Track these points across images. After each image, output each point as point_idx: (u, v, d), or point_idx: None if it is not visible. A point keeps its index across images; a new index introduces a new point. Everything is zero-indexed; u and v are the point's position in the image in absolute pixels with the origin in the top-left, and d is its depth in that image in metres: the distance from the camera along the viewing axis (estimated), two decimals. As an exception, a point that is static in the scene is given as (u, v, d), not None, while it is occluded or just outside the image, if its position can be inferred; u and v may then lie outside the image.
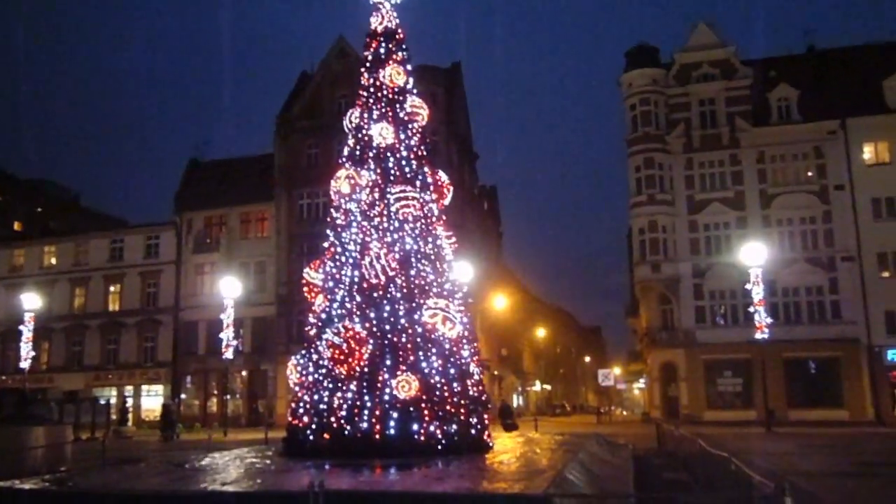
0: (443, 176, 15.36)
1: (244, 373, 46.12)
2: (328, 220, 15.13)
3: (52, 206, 67.65)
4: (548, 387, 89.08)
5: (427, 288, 13.73)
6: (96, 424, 34.20)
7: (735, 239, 38.71)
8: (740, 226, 39.65)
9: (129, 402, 48.55)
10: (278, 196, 47.20)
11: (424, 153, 15.21)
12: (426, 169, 15.02)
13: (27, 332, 38.54)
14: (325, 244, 14.78)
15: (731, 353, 37.94)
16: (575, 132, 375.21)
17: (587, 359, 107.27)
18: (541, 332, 77.86)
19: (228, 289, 35.40)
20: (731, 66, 41.77)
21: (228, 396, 46.17)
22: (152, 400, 49.02)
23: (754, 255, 31.96)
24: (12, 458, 14.96)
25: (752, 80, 41.09)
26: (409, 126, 15.08)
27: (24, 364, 38.91)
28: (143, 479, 12.12)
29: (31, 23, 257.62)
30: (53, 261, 53.61)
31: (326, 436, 12.85)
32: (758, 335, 30.92)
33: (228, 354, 35.35)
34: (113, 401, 45.71)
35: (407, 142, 14.90)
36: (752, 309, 31.88)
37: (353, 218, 14.36)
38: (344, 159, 15.05)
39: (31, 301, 38.73)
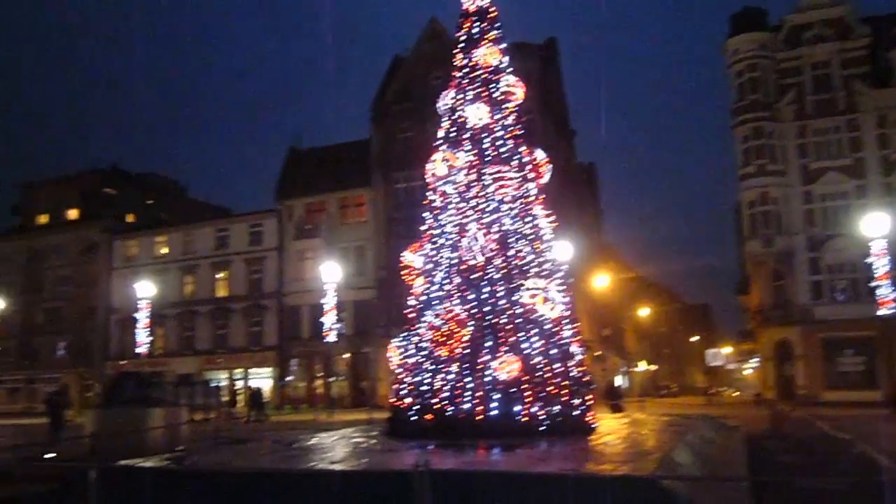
0: (540, 154, 15.27)
1: (347, 355, 47.37)
2: (425, 202, 15.29)
3: (161, 198, 71.30)
4: (653, 367, 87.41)
5: (526, 268, 13.75)
6: (208, 406, 35.95)
7: (854, 209, 36.72)
8: (859, 195, 37.61)
9: (239, 384, 50.81)
10: (375, 181, 48.05)
11: (520, 132, 15.16)
12: (522, 148, 14.97)
13: (143, 318, 40.90)
14: (423, 227, 14.97)
15: (853, 331, 36.18)
16: (677, 103, 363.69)
17: (694, 338, 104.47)
18: (644, 311, 76.36)
19: (329, 274, 36.35)
20: (847, 25, 39.46)
21: (332, 378, 47.61)
22: (260, 382, 51.13)
23: (876, 225, 30.22)
24: (134, 438, 15.99)
25: (870, 39, 38.72)
26: (505, 105, 15.06)
27: (141, 349, 41.35)
28: (255, 457, 12.74)
29: (139, 20, 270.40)
30: (164, 250, 56.53)
31: (429, 416, 13.11)
32: (882, 311, 29.32)
33: (331, 338, 36.36)
34: (223, 383, 47.99)
35: (502, 121, 14.90)
36: (874, 283, 30.24)
37: (450, 200, 14.50)
38: (440, 142, 15.18)
39: (146, 289, 41.01)
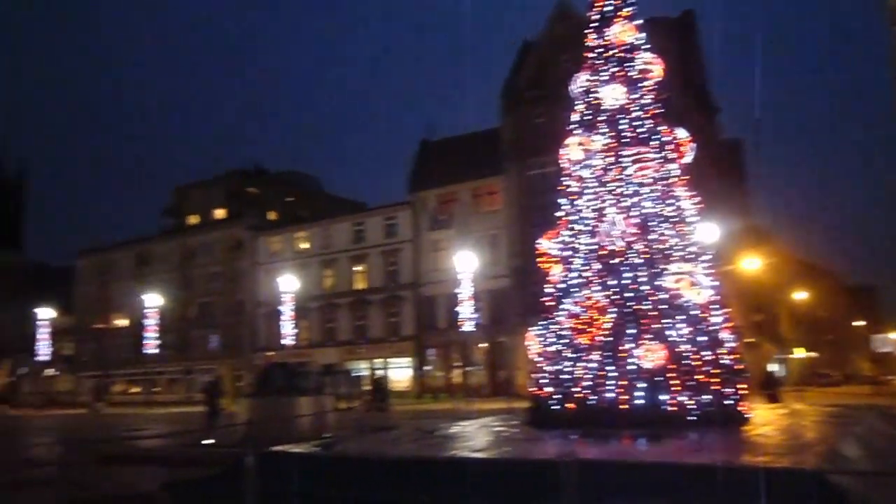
0: (681, 133, 14.76)
1: (484, 344, 47.80)
2: (560, 188, 15.14)
3: (300, 195, 74.54)
4: (812, 354, 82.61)
5: (669, 252, 13.36)
6: (351, 395, 37.35)
7: None
8: None
9: (379, 373, 52.42)
10: (508, 169, 48.08)
11: (659, 111, 14.72)
12: (662, 127, 14.52)
13: (287, 311, 42.95)
14: (559, 213, 14.83)
15: None
16: (832, 70, 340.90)
17: (859, 322, 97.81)
18: (802, 295, 72.24)
19: (463, 263, 36.78)
20: None
21: (470, 368, 48.20)
22: (400, 372, 52.56)
23: None
24: (283, 425, 16.84)
25: None
26: (641, 84, 14.66)
27: (286, 340, 43.44)
28: (399, 444, 13.10)
29: (271, 23, 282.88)
30: (305, 245, 59.09)
31: (571, 406, 13.01)
32: None
33: (467, 327, 36.81)
34: (364, 373, 49.66)
35: (639, 101, 14.51)
36: None
37: (586, 185, 14.30)
38: (574, 126, 14.99)
39: (289, 283, 43.03)
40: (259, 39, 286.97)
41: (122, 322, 70.85)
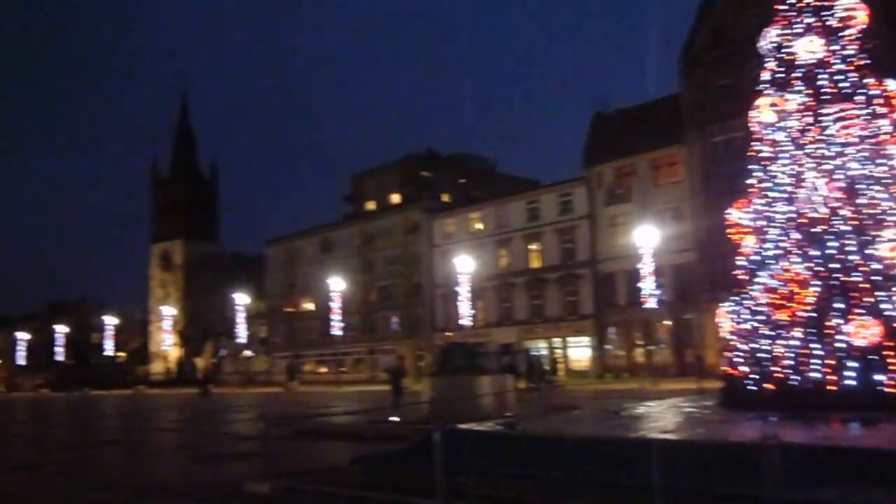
0: (892, 85, 13.43)
1: (668, 322, 46.38)
2: (750, 154, 14.27)
3: (472, 177, 75.65)
4: None
5: (882, 217, 12.22)
6: (530, 375, 37.47)
7: None
8: None
9: (558, 352, 52.33)
10: (689, 137, 46.13)
11: (865, 62, 13.45)
12: (869, 80, 13.27)
13: (464, 292, 43.80)
14: (750, 181, 13.99)
15: None
16: None
17: None
18: None
19: (644, 238, 35.79)
20: None
21: (653, 346, 46.95)
22: (579, 351, 52.17)
23: None
24: (465, 404, 17.19)
25: None
26: (843, 34, 13.45)
27: (464, 321, 44.33)
28: (584, 424, 12.99)
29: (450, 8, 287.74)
30: (479, 226, 59.90)
31: (770, 386, 12.29)
32: None
33: (650, 304, 35.84)
34: (543, 352, 49.71)
35: (840, 53, 13.34)
36: None
37: (781, 148, 13.36)
38: (764, 85, 14.04)
39: (464, 264, 43.82)
40: (440, 24, 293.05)
41: (310, 305, 75.37)
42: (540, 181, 66.54)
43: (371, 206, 76.31)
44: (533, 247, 55.76)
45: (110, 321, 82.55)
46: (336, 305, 53.78)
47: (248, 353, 77.18)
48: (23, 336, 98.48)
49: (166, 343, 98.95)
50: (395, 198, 73.87)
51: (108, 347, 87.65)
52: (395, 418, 19.27)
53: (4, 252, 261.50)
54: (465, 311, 44.32)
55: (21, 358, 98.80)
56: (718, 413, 12.78)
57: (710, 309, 16.12)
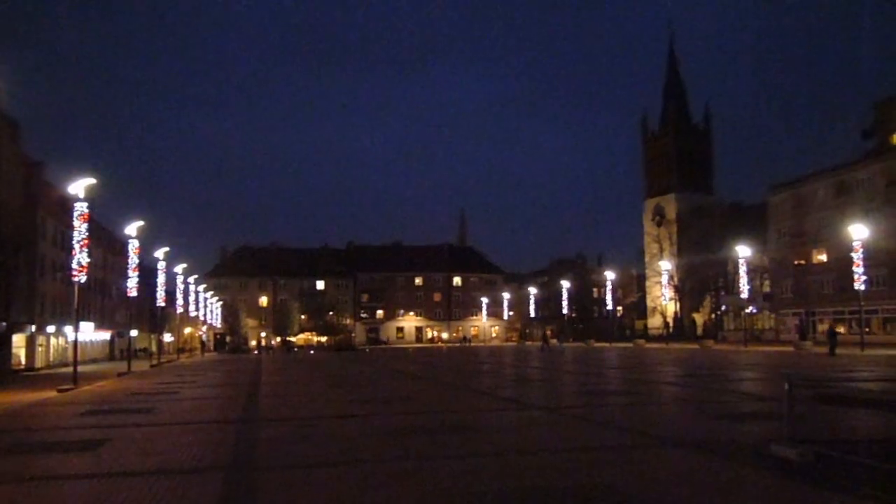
0: None
1: None
2: None
3: None
4: None
5: None
6: None
7: None
8: None
9: None
10: None
11: None
12: None
13: None
14: None
15: None
16: None
17: None
18: None
19: None
20: None
21: None
22: None
23: None
24: None
25: None
26: None
27: None
28: None
29: None
30: None
31: None
32: None
33: None
34: None
35: None
36: None
37: None
38: None
39: None
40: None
41: (822, 257, 69.94)
42: None
43: (898, 140, 67.34)
44: None
45: (609, 276, 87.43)
46: (858, 256, 48.62)
47: (751, 308, 74.62)
48: (532, 291, 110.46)
49: (664, 298, 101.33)
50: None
51: (608, 301, 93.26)
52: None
53: (512, 216, 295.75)
54: None
55: (531, 311, 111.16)
56: None
57: None
